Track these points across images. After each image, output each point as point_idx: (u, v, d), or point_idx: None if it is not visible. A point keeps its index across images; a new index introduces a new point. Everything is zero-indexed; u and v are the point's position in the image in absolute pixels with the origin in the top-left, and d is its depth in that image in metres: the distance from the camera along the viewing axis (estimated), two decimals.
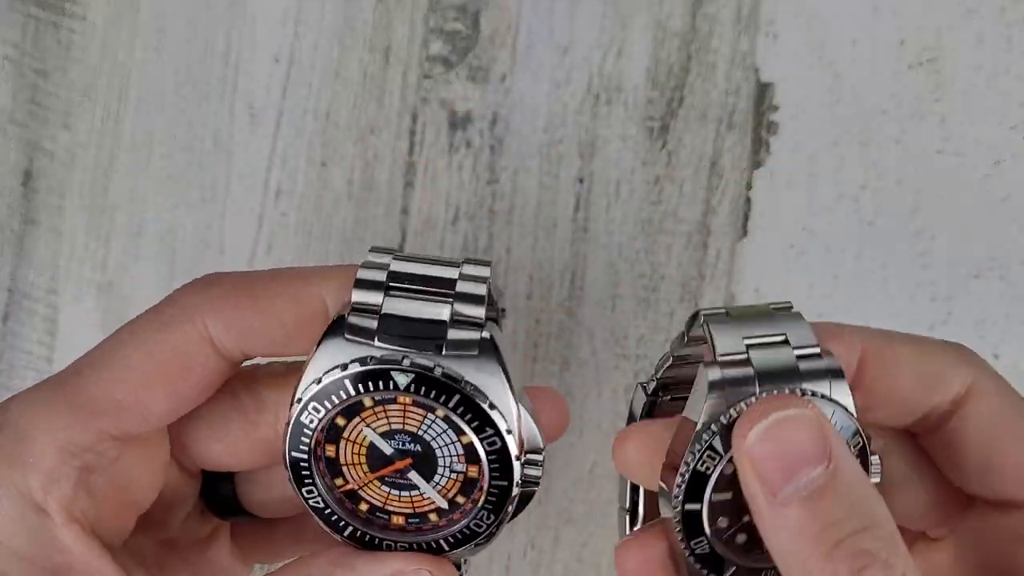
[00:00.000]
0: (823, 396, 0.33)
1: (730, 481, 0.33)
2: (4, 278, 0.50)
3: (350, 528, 0.35)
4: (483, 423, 0.33)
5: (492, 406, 0.33)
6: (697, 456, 0.33)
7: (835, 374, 0.33)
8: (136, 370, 0.34)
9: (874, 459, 0.34)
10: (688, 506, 0.33)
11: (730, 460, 0.33)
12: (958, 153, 0.50)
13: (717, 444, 0.33)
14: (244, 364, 0.37)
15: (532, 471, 0.34)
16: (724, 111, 0.51)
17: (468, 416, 0.33)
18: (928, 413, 0.35)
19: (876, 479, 0.34)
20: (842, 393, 0.33)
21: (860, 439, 0.33)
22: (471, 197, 0.50)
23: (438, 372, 0.32)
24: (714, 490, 0.33)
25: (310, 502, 0.34)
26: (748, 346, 0.34)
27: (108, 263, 0.50)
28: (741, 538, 0.34)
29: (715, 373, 0.33)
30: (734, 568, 0.34)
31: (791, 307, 0.35)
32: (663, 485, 0.34)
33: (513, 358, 0.49)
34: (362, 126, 0.51)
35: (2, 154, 0.51)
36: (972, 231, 0.50)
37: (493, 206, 0.50)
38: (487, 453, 0.33)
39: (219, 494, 0.39)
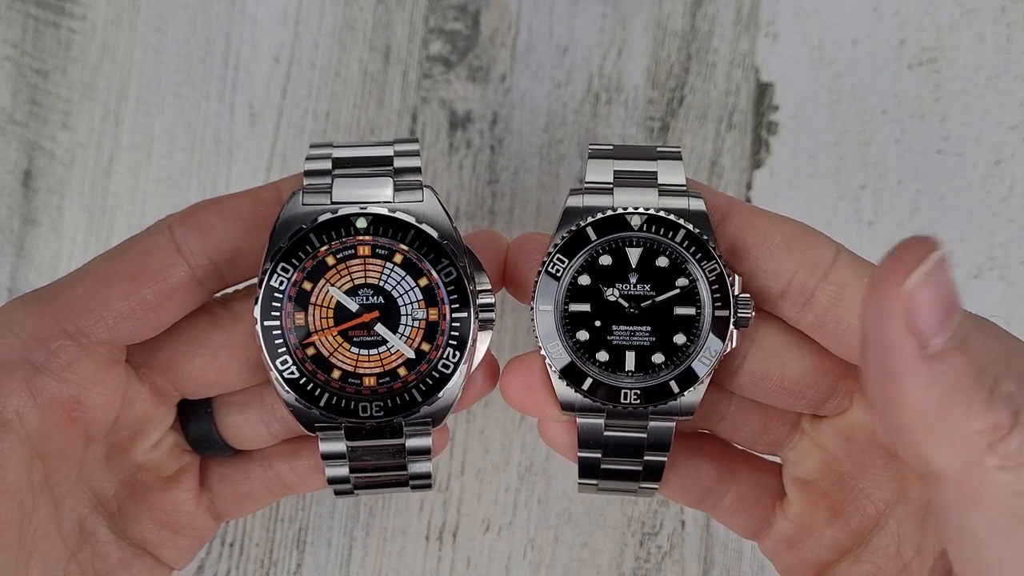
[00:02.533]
0: (683, 227, 0.36)
1: (587, 293, 0.36)
2: (4, 278, 0.50)
3: (326, 396, 0.36)
4: (438, 255, 0.36)
5: (443, 238, 0.36)
6: (547, 261, 0.36)
7: (696, 214, 0.36)
8: (101, 269, 0.36)
9: (745, 297, 0.36)
10: (542, 307, 0.36)
11: (580, 270, 0.36)
12: (958, 153, 0.50)
13: (565, 252, 0.36)
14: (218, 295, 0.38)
15: (487, 299, 0.37)
16: (724, 111, 0.51)
17: (424, 249, 0.36)
18: (797, 282, 0.35)
19: (748, 315, 0.35)
20: (703, 228, 0.36)
21: (716, 266, 0.36)
22: (471, 197, 0.50)
23: (393, 213, 0.36)
24: (570, 298, 0.36)
25: (285, 374, 0.36)
26: (616, 179, 0.37)
27: None
28: (603, 355, 0.36)
29: (575, 200, 0.37)
30: (591, 381, 0.36)
31: (678, 152, 0.38)
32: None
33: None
34: (362, 126, 0.51)
35: (2, 154, 0.51)
36: (972, 231, 0.50)
37: (493, 206, 0.50)
38: (445, 286, 0.36)
39: (198, 424, 0.39)
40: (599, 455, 0.37)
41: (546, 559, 0.48)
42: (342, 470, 0.38)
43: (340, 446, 0.37)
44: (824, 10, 0.51)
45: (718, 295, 0.36)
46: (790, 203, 0.50)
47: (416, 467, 0.38)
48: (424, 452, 0.37)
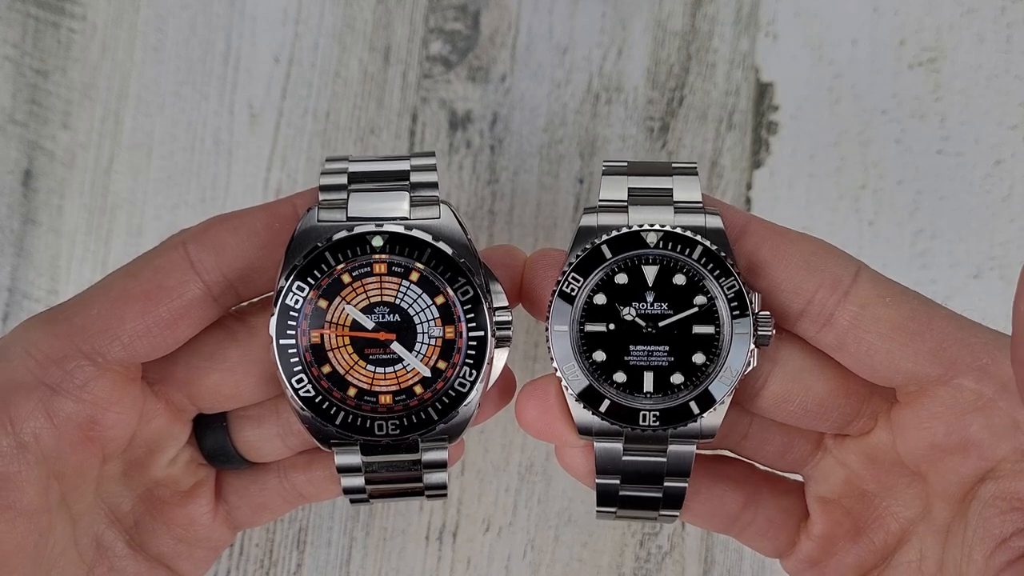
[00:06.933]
0: (700, 243, 0.35)
1: (603, 313, 0.36)
2: (4, 278, 0.50)
3: (342, 414, 0.36)
4: (455, 273, 0.36)
5: (460, 257, 0.36)
6: (562, 280, 0.35)
7: (713, 231, 0.35)
8: (115, 288, 0.35)
9: (765, 315, 0.35)
10: (557, 327, 0.36)
11: (596, 289, 0.36)
12: (958, 153, 0.50)
13: (580, 270, 0.35)
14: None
15: (503, 316, 0.36)
16: (724, 111, 0.51)
17: (440, 268, 0.36)
18: (817, 301, 0.35)
19: (768, 333, 0.35)
20: (720, 245, 0.35)
21: (736, 283, 0.35)
22: (471, 197, 0.50)
23: (410, 231, 0.36)
24: (586, 318, 0.36)
25: (300, 392, 0.36)
26: (631, 196, 0.36)
27: (108, 263, 0.50)
28: (620, 377, 0.36)
29: (589, 219, 0.36)
30: (609, 403, 0.35)
31: (694, 168, 0.37)
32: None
33: (513, 358, 0.49)
34: (362, 126, 0.51)
35: (2, 154, 0.51)
36: (972, 231, 0.50)
37: (493, 206, 0.50)
38: (462, 304, 0.36)
39: (213, 438, 0.39)
40: (618, 481, 0.37)
41: (546, 559, 0.48)
42: (358, 480, 0.37)
43: (355, 459, 0.37)
44: (824, 10, 0.51)
45: (737, 312, 0.35)
46: (790, 203, 0.50)
47: (432, 478, 0.38)
48: (440, 465, 0.37)
